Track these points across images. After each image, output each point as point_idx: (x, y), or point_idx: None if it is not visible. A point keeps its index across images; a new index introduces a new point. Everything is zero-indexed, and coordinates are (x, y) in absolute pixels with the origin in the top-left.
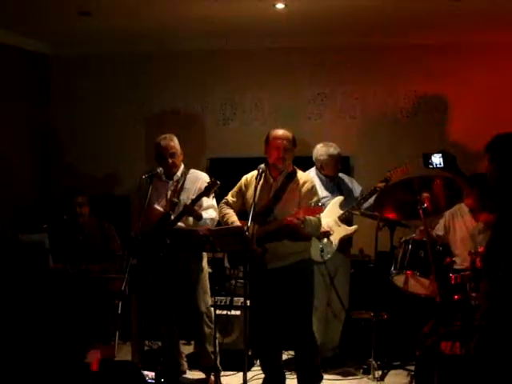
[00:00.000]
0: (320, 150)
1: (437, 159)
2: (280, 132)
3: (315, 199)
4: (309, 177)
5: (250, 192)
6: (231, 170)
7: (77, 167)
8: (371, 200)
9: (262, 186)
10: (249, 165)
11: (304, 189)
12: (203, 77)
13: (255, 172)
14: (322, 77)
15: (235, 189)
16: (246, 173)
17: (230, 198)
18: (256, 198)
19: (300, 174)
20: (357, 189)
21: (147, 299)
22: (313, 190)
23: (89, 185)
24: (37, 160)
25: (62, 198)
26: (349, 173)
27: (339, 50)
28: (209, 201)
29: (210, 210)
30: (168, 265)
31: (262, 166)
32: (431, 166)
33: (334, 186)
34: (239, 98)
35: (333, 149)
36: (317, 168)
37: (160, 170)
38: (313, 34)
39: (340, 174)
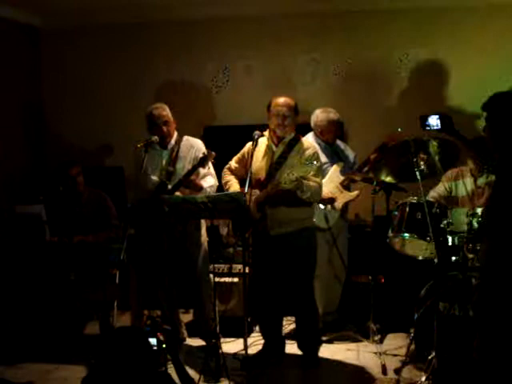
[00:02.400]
0: (320, 116)
1: (434, 121)
2: (281, 99)
3: (317, 163)
4: (311, 144)
5: (256, 159)
6: (225, 137)
7: (70, 139)
8: (366, 168)
9: (264, 152)
10: (243, 132)
11: (305, 155)
12: (194, 45)
13: (261, 139)
14: (314, 42)
15: (239, 155)
16: (240, 140)
17: (233, 163)
18: (253, 165)
19: (302, 141)
20: (350, 155)
21: (146, 268)
22: (314, 157)
23: (82, 156)
24: (30, 132)
25: (57, 170)
26: (342, 138)
27: (330, 15)
28: (205, 169)
29: (207, 177)
30: (167, 233)
31: (258, 132)
32: (428, 128)
33: (333, 151)
34: (231, 65)
35: (333, 114)
36: (315, 134)
37: (155, 138)
38: None
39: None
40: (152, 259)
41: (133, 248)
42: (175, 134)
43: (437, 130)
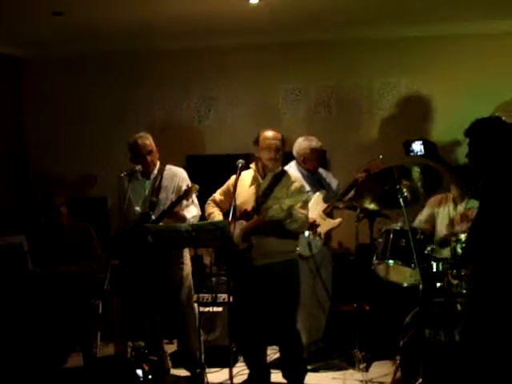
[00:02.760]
0: (302, 144)
1: (417, 147)
2: (271, 133)
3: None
4: (297, 177)
5: (239, 191)
6: (208, 167)
7: (51, 170)
8: (351, 193)
9: (250, 183)
10: (225, 162)
11: (292, 188)
12: (177, 75)
13: (246, 172)
14: (296, 72)
15: (224, 187)
16: (223, 170)
17: (217, 196)
18: (238, 195)
19: (288, 174)
20: (333, 182)
21: (130, 299)
22: (301, 190)
23: (64, 187)
24: (11, 163)
25: (40, 201)
26: (325, 166)
27: (312, 45)
28: (189, 200)
29: (190, 207)
30: (150, 263)
31: (241, 160)
32: (412, 154)
33: (315, 180)
34: (214, 95)
35: (315, 142)
36: (298, 162)
37: (139, 167)
38: (286, 29)
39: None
40: (136, 289)
41: (117, 278)
42: (158, 164)
43: (421, 155)
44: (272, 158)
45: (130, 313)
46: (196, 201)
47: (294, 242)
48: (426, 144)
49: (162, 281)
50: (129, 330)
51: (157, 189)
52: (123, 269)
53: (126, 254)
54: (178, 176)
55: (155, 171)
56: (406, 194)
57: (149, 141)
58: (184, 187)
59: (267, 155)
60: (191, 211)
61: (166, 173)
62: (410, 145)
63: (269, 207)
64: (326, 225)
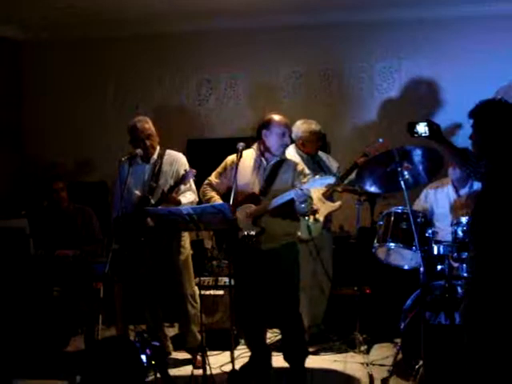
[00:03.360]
0: (301, 127)
1: (422, 128)
2: (284, 119)
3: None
4: (296, 160)
5: (241, 173)
6: (209, 150)
7: (51, 154)
8: (352, 175)
9: (253, 166)
10: (226, 145)
11: (297, 170)
12: (178, 58)
13: (247, 151)
14: (297, 55)
15: (219, 169)
16: (224, 153)
17: (213, 179)
18: (239, 177)
19: (289, 158)
20: (334, 165)
21: (130, 282)
22: (304, 172)
23: (64, 171)
24: (11, 148)
25: (41, 184)
26: (325, 149)
27: (313, 28)
28: (186, 185)
29: (187, 193)
30: (150, 247)
31: (242, 143)
32: (416, 135)
33: (315, 163)
34: (214, 77)
35: (314, 125)
36: (296, 145)
37: (139, 151)
38: (287, 12)
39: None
40: (136, 273)
41: (117, 262)
42: (157, 148)
43: (425, 137)
44: (284, 144)
45: (131, 296)
46: (194, 187)
47: (297, 225)
48: (430, 125)
49: (161, 265)
50: (130, 314)
51: (156, 174)
52: (123, 253)
53: (127, 237)
54: (177, 161)
55: (155, 156)
56: (407, 176)
57: (148, 125)
58: (182, 172)
59: (281, 141)
60: (188, 197)
61: (165, 158)
62: (414, 126)
63: (275, 192)
64: (325, 208)
